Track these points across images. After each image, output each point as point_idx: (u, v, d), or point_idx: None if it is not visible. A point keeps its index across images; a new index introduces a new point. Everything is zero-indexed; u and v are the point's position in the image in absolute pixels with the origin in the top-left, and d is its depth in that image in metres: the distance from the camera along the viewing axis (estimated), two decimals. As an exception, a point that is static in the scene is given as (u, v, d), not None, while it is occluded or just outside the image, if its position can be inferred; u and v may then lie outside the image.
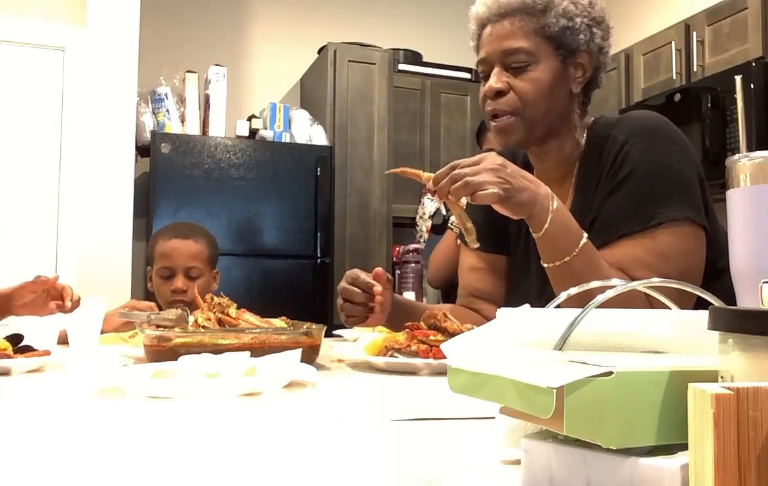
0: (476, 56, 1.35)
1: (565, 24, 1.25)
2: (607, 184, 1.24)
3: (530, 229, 1.19)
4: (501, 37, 1.27)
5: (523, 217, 1.17)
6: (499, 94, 1.28)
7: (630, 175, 1.21)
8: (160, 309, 1.87)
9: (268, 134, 4.11)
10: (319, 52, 4.40)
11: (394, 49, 4.44)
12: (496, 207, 1.16)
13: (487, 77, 1.30)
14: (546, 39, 1.26)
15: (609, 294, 0.58)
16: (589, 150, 1.31)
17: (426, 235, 4.29)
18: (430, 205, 4.43)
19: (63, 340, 1.56)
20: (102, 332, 1.62)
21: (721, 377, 0.44)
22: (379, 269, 1.36)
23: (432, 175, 1.18)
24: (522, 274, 1.42)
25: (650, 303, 1.05)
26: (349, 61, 4.23)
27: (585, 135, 1.34)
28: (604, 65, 1.33)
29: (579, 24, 1.26)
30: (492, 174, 1.13)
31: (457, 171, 1.14)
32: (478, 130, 2.99)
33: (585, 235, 1.17)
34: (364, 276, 1.36)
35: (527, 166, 1.45)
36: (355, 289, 1.35)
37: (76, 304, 1.73)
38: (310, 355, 1.20)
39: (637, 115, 1.30)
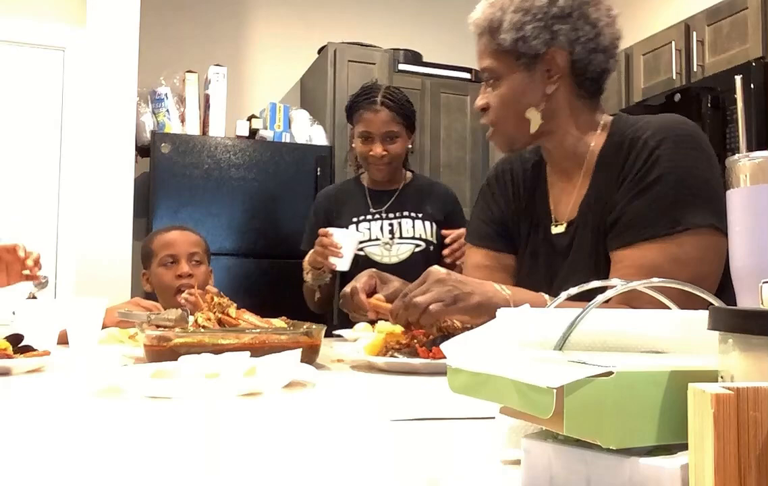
0: None
1: (515, 36, 1.29)
2: (634, 186, 1.24)
3: None
4: (478, 56, 1.37)
5: (484, 320, 1.18)
6: (483, 108, 1.38)
7: (659, 180, 1.22)
8: (164, 308, 1.87)
9: (268, 134, 4.10)
10: (319, 52, 4.40)
11: (394, 49, 4.43)
12: (453, 316, 1.24)
13: None
14: (505, 53, 1.31)
15: (609, 294, 0.58)
16: (611, 146, 1.32)
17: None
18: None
19: (63, 340, 1.56)
20: (103, 326, 1.62)
21: (721, 377, 0.44)
22: (380, 306, 1.39)
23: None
24: (531, 272, 1.42)
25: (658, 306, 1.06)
26: (349, 61, 4.23)
27: (605, 130, 1.35)
28: (593, 52, 1.30)
29: (531, 31, 1.28)
30: (438, 286, 1.21)
31: (408, 297, 1.22)
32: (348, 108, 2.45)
33: (546, 295, 1.23)
34: (362, 297, 1.40)
35: (540, 161, 1.47)
36: (360, 300, 1.39)
37: (37, 262, 1.68)
38: (310, 355, 1.20)
39: (668, 119, 1.30)
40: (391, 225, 2.40)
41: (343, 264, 2.21)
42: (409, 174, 2.52)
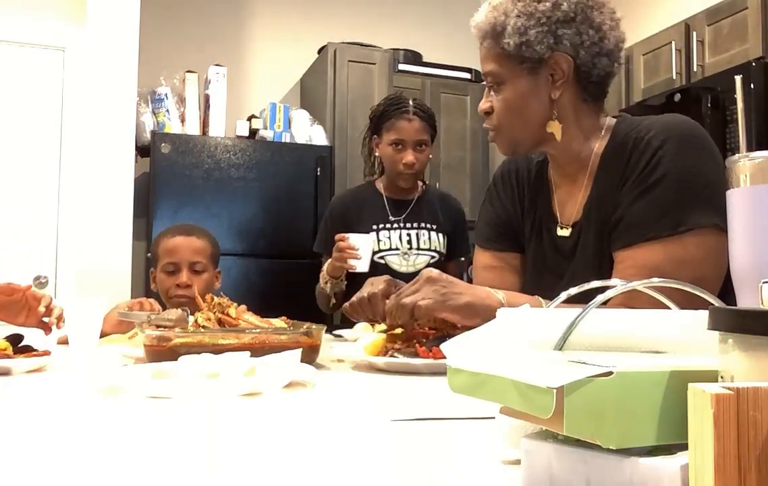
0: None
1: (518, 40, 1.28)
2: (637, 186, 1.24)
3: None
4: (481, 59, 1.36)
5: (476, 322, 1.15)
6: (486, 112, 1.37)
7: (662, 180, 1.22)
8: (163, 308, 1.87)
9: (268, 134, 4.10)
10: (319, 52, 4.40)
11: (394, 49, 4.43)
12: (441, 315, 1.26)
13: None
14: (508, 58, 1.30)
15: (609, 294, 0.58)
16: (613, 148, 1.32)
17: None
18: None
19: (63, 341, 1.56)
20: (102, 334, 1.62)
21: (721, 377, 0.44)
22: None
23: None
24: (537, 270, 1.42)
25: (658, 306, 1.05)
26: (349, 61, 4.23)
27: (608, 132, 1.35)
28: (597, 56, 1.30)
29: (535, 35, 1.27)
30: (428, 284, 1.26)
31: (401, 299, 1.26)
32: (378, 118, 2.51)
33: (539, 298, 1.25)
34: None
35: (544, 162, 1.47)
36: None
37: (60, 318, 1.68)
38: (310, 355, 1.20)
39: (671, 119, 1.30)
40: (409, 235, 2.49)
41: (362, 265, 2.28)
42: (420, 184, 2.60)
